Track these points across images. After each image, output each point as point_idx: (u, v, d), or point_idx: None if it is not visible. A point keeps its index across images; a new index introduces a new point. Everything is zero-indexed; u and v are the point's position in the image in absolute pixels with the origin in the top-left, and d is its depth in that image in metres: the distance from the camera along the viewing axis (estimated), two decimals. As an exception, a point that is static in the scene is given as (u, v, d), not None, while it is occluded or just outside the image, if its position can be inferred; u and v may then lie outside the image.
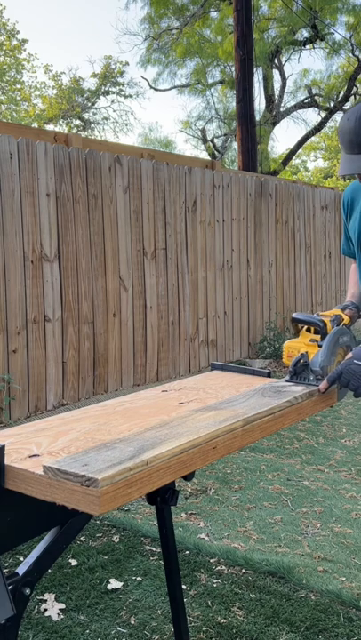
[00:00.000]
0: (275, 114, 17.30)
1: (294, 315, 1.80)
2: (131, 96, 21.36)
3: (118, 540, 2.78)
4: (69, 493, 1.03)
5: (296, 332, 1.80)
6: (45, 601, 2.28)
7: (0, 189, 4.25)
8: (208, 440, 1.26)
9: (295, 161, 26.30)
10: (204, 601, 2.32)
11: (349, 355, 1.63)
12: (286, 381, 1.70)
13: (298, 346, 1.75)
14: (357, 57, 16.22)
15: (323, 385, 1.63)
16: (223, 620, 2.20)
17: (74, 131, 20.49)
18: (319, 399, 1.65)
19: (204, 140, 21.09)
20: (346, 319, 1.90)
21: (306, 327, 1.78)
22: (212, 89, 18.67)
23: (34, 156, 4.48)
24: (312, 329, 1.77)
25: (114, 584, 2.41)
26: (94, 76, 20.97)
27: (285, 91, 17.62)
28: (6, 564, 2.47)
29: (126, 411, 1.48)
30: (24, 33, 33.23)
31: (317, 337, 1.76)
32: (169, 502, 1.56)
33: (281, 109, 17.69)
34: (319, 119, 18.14)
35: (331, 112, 17.60)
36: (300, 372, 1.71)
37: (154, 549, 2.67)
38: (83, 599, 2.31)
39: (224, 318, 6.51)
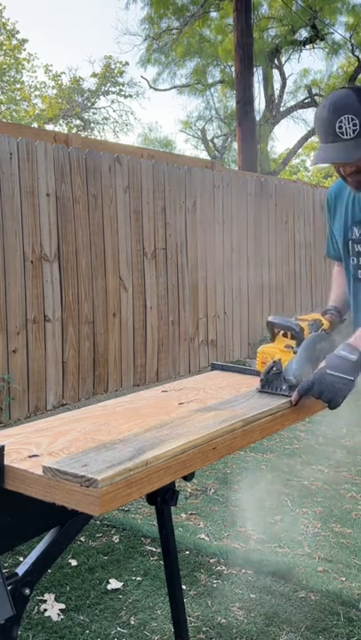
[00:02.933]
0: (275, 114, 17.30)
1: (270, 318, 1.69)
2: (131, 96, 21.36)
3: (118, 540, 2.78)
4: (69, 494, 1.03)
5: (272, 336, 1.69)
6: (45, 601, 2.28)
7: (0, 189, 4.25)
8: (208, 441, 1.26)
9: (295, 161, 26.30)
10: (204, 601, 2.32)
11: (323, 363, 1.53)
12: (258, 391, 1.59)
13: (272, 352, 1.63)
14: (357, 57, 16.22)
15: (294, 397, 1.51)
16: (223, 620, 2.20)
17: (74, 131, 20.48)
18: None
19: (204, 140, 21.08)
20: (325, 324, 1.79)
21: (283, 332, 1.66)
22: (212, 89, 18.67)
23: (34, 155, 4.48)
24: (289, 334, 1.64)
25: (114, 584, 2.41)
26: (94, 75, 20.97)
27: (285, 90, 17.62)
28: (6, 565, 2.47)
29: (126, 411, 1.48)
30: (24, 33, 33.26)
31: (293, 342, 1.64)
32: (169, 502, 1.56)
33: (281, 109, 17.69)
34: (319, 119, 18.10)
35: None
36: (272, 380, 1.59)
37: (154, 549, 2.67)
38: (82, 599, 2.31)
39: (224, 318, 6.51)
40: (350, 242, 1.89)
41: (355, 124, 1.59)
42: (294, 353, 1.60)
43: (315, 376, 1.49)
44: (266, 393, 1.57)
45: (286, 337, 1.64)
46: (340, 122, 1.60)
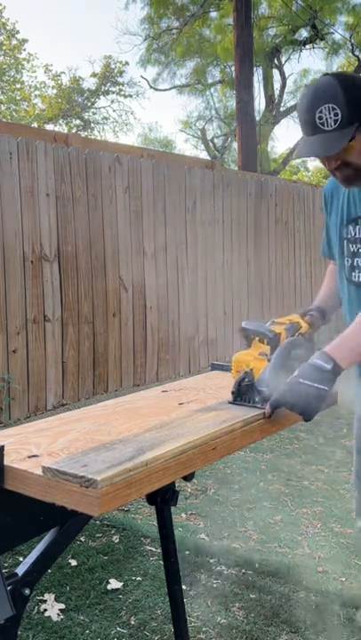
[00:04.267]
0: (275, 114, 17.30)
1: (243, 323, 1.57)
2: (130, 96, 21.35)
3: (118, 540, 2.78)
4: (69, 494, 1.03)
5: (248, 342, 1.56)
6: (45, 601, 2.28)
7: (0, 189, 4.25)
8: (208, 441, 1.26)
9: (295, 161, 26.30)
10: (204, 601, 2.32)
11: (296, 372, 1.41)
12: (230, 403, 1.48)
13: (247, 360, 1.51)
14: (357, 57, 16.22)
15: (267, 410, 1.41)
16: (223, 620, 2.20)
17: (74, 130, 20.47)
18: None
19: (204, 140, 21.08)
20: (304, 327, 1.67)
21: (258, 338, 1.54)
22: (212, 89, 18.67)
23: (34, 155, 4.48)
24: (265, 340, 1.52)
25: (114, 584, 2.41)
26: (94, 75, 20.96)
27: (285, 90, 17.62)
28: (6, 565, 2.47)
29: (126, 411, 1.48)
30: (24, 33, 33.26)
31: (268, 349, 1.51)
32: (169, 503, 1.56)
33: (281, 109, 17.69)
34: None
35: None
36: (244, 392, 1.47)
37: (154, 549, 2.67)
38: (82, 599, 2.31)
39: (224, 318, 6.51)
40: (345, 241, 1.78)
41: (336, 114, 1.47)
42: (269, 361, 1.48)
43: (287, 386, 1.38)
44: (238, 404, 1.47)
45: (263, 343, 1.53)
46: (321, 112, 1.48)
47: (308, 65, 31.86)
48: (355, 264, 1.74)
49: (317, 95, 1.50)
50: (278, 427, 1.50)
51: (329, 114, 1.47)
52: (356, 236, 1.72)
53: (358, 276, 1.74)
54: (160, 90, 18.64)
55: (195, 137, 22.16)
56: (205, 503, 3.21)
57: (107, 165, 5.08)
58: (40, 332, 4.55)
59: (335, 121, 1.47)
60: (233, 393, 1.48)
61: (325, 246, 1.94)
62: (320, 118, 1.48)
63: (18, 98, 20.94)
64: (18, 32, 20.57)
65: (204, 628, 2.15)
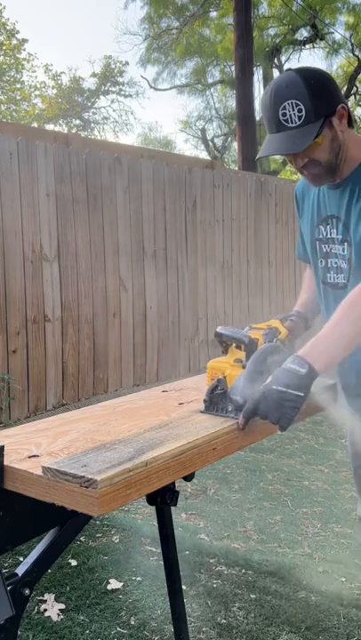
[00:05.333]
0: (275, 113, 17.27)
1: (218, 328, 1.48)
2: (130, 96, 21.36)
3: (118, 540, 2.78)
4: (68, 494, 1.03)
5: (224, 348, 1.48)
6: (45, 601, 2.28)
7: (0, 189, 4.25)
8: (208, 441, 1.26)
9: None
10: (204, 601, 2.32)
11: (269, 378, 1.33)
12: (201, 412, 1.41)
13: (222, 367, 1.44)
14: (357, 56, 16.22)
15: (240, 420, 1.32)
16: (223, 620, 2.20)
17: (74, 130, 20.48)
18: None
19: (204, 140, 21.09)
20: (283, 332, 1.59)
21: (235, 344, 1.46)
22: (212, 89, 18.67)
23: (34, 155, 4.48)
24: (242, 346, 1.45)
25: (114, 584, 2.41)
26: (94, 75, 20.98)
27: (285, 90, 17.58)
28: (6, 565, 2.47)
29: (126, 411, 1.48)
30: (24, 33, 33.26)
31: (243, 355, 1.44)
32: (169, 503, 1.56)
33: (281, 109, 17.65)
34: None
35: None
36: (216, 401, 1.39)
37: (154, 550, 2.67)
38: (82, 599, 2.31)
39: (224, 318, 6.50)
40: (317, 242, 1.69)
41: (300, 110, 1.41)
42: (244, 368, 1.41)
43: (260, 394, 1.29)
44: (210, 414, 1.39)
45: (240, 349, 1.45)
46: (284, 108, 1.42)
47: (308, 65, 31.79)
48: (328, 265, 1.68)
49: (280, 91, 1.44)
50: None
51: (293, 110, 1.42)
52: (328, 236, 1.65)
53: (333, 277, 1.66)
54: (160, 90, 18.65)
55: (195, 137, 22.16)
56: (205, 503, 3.21)
57: (107, 165, 5.08)
58: (40, 332, 4.55)
59: (300, 117, 1.42)
60: (205, 402, 1.41)
61: (300, 249, 1.85)
62: (284, 115, 1.43)
63: (18, 98, 20.94)
64: (18, 32, 20.58)
65: (204, 628, 2.15)
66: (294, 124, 1.42)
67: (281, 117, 1.43)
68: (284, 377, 1.30)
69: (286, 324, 1.65)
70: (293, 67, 1.54)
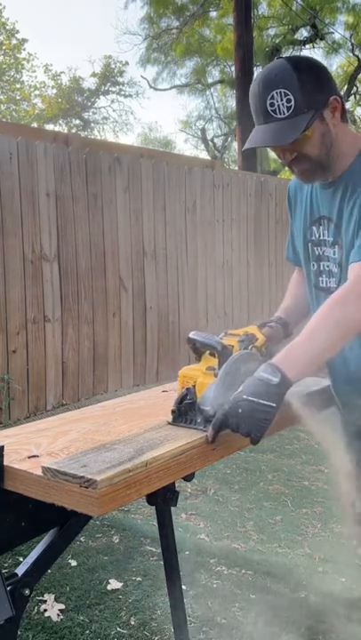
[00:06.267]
0: (275, 113, 17.27)
1: (191, 333, 1.39)
2: (130, 96, 21.37)
3: (118, 540, 2.78)
4: (68, 494, 1.03)
5: (197, 355, 1.40)
6: (45, 601, 2.28)
7: (0, 189, 4.24)
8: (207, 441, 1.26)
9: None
10: (204, 601, 2.32)
11: (240, 388, 1.25)
12: (169, 423, 1.32)
13: (194, 375, 1.35)
14: (357, 56, 16.22)
15: (209, 432, 1.23)
16: (223, 620, 2.20)
17: (73, 130, 20.48)
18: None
19: (204, 140, 21.09)
20: (260, 339, 1.50)
21: (209, 351, 1.38)
22: (212, 88, 18.67)
23: (33, 155, 4.48)
24: (215, 353, 1.37)
25: (114, 584, 2.41)
26: (94, 75, 20.98)
27: (285, 90, 17.58)
28: (5, 565, 2.47)
29: (126, 411, 1.48)
30: (24, 33, 33.26)
31: (216, 363, 1.36)
32: (169, 503, 1.56)
33: (281, 109, 17.66)
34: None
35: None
36: (185, 412, 1.30)
37: (154, 550, 2.67)
38: (82, 600, 2.31)
39: (224, 318, 6.50)
40: (310, 244, 1.60)
41: (289, 100, 1.32)
42: (216, 376, 1.33)
43: (229, 405, 1.22)
44: (178, 425, 1.31)
45: (213, 356, 1.37)
46: (272, 98, 1.33)
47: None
48: (321, 268, 1.58)
49: (269, 80, 1.35)
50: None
51: (281, 100, 1.33)
52: (321, 237, 1.56)
53: (325, 282, 1.57)
54: (160, 90, 18.65)
55: (195, 137, 22.16)
56: (205, 503, 3.20)
57: (107, 165, 5.08)
58: (40, 333, 4.55)
59: (288, 108, 1.33)
60: (173, 412, 1.32)
61: (290, 251, 1.77)
62: (272, 105, 1.34)
63: (18, 98, 20.95)
64: (18, 32, 20.59)
65: (204, 628, 2.15)
66: (282, 115, 1.34)
67: (269, 107, 1.34)
68: (254, 386, 1.22)
69: (264, 331, 1.56)
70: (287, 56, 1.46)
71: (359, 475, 1.64)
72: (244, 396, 1.21)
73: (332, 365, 1.57)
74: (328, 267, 1.55)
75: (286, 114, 1.33)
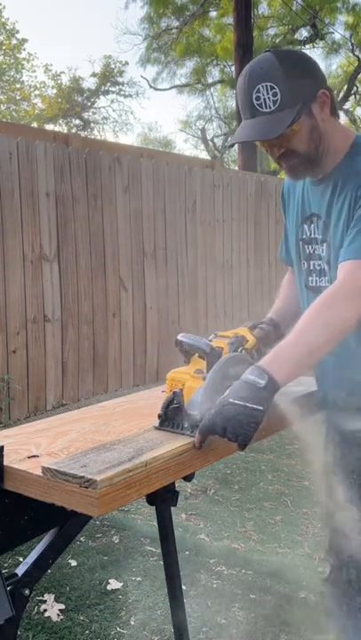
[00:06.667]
0: (275, 113, 17.27)
1: (179, 336, 1.35)
2: (130, 96, 21.36)
3: (118, 540, 2.78)
4: (68, 494, 1.03)
5: (186, 357, 1.37)
6: (45, 601, 2.28)
7: (0, 189, 4.24)
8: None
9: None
10: (204, 601, 2.32)
11: (227, 391, 1.21)
12: (155, 428, 1.28)
13: (182, 378, 1.31)
14: (357, 56, 16.22)
15: (196, 438, 1.20)
16: (223, 621, 2.20)
17: (73, 130, 20.47)
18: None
19: (204, 140, 21.08)
20: (251, 341, 1.46)
21: (198, 353, 1.34)
22: (212, 88, 18.67)
23: (33, 155, 4.47)
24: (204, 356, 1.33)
25: (113, 584, 2.41)
26: (94, 75, 20.98)
27: (285, 90, 17.58)
28: (5, 565, 2.47)
29: (126, 411, 1.48)
30: (24, 33, 33.26)
31: (204, 366, 1.32)
32: (169, 503, 1.56)
33: (281, 109, 17.65)
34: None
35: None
36: (172, 416, 1.26)
37: (154, 550, 2.67)
38: (82, 600, 2.31)
39: (224, 318, 6.50)
40: (301, 242, 1.57)
41: (275, 94, 1.29)
42: (205, 380, 1.29)
43: (216, 409, 1.18)
44: (165, 430, 1.28)
45: (203, 359, 1.34)
46: (258, 92, 1.30)
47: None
48: (311, 267, 1.54)
49: (255, 73, 1.32)
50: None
51: (267, 93, 1.30)
52: (312, 235, 1.52)
53: (316, 281, 1.53)
54: (160, 89, 18.64)
55: (195, 137, 22.16)
56: (205, 503, 3.20)
57: (107, 165, 5.08)
58: (40, 333, 4.55)
59: (274, 102, 1.30)
60: (159, 417, 1.28)
61: (283, 251, 1.73)
62: (258, 99, 1.31)
63: (18, 98, 20.95)
64: (18, 32, 20.59)
65: (204, 628, 2.15)
66: (268, 109, 1.31)
67: (255, 101, 1.31)
68: (241, 389, 1.19)
69: (255, 333, 1.52)
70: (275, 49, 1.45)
71: (332, 478, 1.62)
72: (230, 400, 1.17)
73: (322, 367, 1.53)
74: (319, 265, 1.52)
75: (272, 108, 1.31)
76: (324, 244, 1.48)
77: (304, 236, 1.55)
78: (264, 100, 1.31)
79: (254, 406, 1.17)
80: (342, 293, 1.29)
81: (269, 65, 1.31)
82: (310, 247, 1.54)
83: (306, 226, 1.54)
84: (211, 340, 1.40)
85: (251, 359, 1.37)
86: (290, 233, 1.62)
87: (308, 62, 1.38)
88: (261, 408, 1.17)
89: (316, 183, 1.48)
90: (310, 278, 1.55)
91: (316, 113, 1.36)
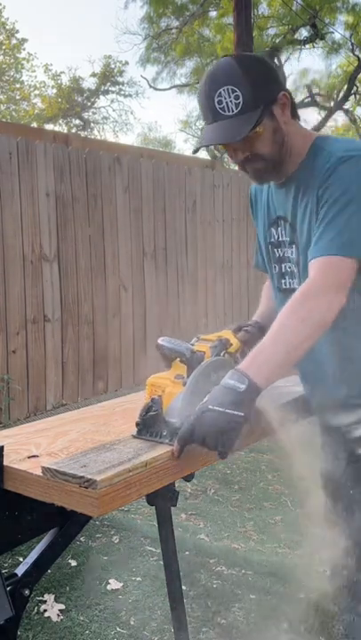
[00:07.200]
0: (275, 113, 17.27)
1: (159, 340, 1.33)
2: (130, 95, 21.35)
3: (118, 540, 2.78)
4: (68, 494, 1.03)
5: (167, 362, 1.32)
6: (45, 602, 2.28)
7: (0, 189, 4.24)
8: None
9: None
10: (204, 601, 2.32)
11: (206, 397, 1.17)
12: (133, 437, 1.22)
13: (162, 383, 1.26)
14: (357, 56, 16.21)
15: (175, 447, 1.14)
16: (223, 621, 2.20)
17: (73, 130, 20.47)
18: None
19: (204, 140, 21.05)
20: (235, 345, 1.42)
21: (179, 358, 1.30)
22: (212, 88, 18.62)
23: (33, 155, 4.47)
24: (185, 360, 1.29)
25: (113, 585, 2.41)
26: (94, 75, 20.96)
27: (285, 90, 17.58)
28: (5, 565, 2.47)
29: (126, 411, 1.48)
30: (24, 32, 33.26)
31: (185, 371, 1.28)
32: (169, 503, 1.56)
33: (281, 109, 17.64)
34: (319, 119, 18.14)
35: (331, 112, 17.61)
36: (150, 424, 1.20)
37: (154, 550, 2.67)
38: (82, 600, 2.31)
39: (224, 318, 6.50)
40: (270, 246, 1.56)
41: (237, 97, 1.29)
42: (185, 385, 1.24)
43: (195, 416, 1.13)
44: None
45: (184, 364, 1.30)
46: (220, 95, 1.30)
47: (308, 64, 31.85)
48: (283, 270, 1.53)
49: (216, 77, 1.32)
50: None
51: (229, 97, 1.29)
52: (280, 239, 1.52)
53: (289, 283, 1.52)
54: (160, 89, 18.62)
55: (195, 137, 22.15)
56: (205, 503, 3.20)
57: (106, 165, 5.08)
58: (40, 333, 4.55)
59: (237, 105, 1.29)
60: (137, 425, 1.22)
61: (258, 257, 1.70)
62: (220, 102, 1.30)
63: (17, 97, 20.94)
64: (17, 32, 20.58)
65: (204, 629, 2.15)
66: (231, 113, 1.30)
67: (217, 105, 1.31)
68: (220, 395, 1.15)
69: (239, 335, 1.47)
70: (230, 54, 1.41)
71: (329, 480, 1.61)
72: (210, 406, 1.13)
73: (303, 368, 1.51)
74: (290, 268, 1.51)
75: (235, 111, 1.30)
76: (293, 246, 1.48)
77: (273, 240, 1.55)
78: (226, 103, 1.30)
79: (234, 412, 1.12)
80: (314, 290, 1.28)
81: (230, 69, 1.32)
82: (280, 250, 1.53)
83: (273, 229, 1.53)
84: (193, 344, 1.36)
85: (235, 363, 1.31)
86: (260, 237, 1.62)
87: (266, 65, 1.40)
88: (242, 414, 1.13)
89: (280, 186, 1.48)
90: (283, 281, 1.54)
91: (277, 115, 1.36)
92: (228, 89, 1.30)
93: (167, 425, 1.19)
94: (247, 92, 1.30)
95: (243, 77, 1.30)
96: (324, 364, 1.45)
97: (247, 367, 1.19)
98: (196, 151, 1.43)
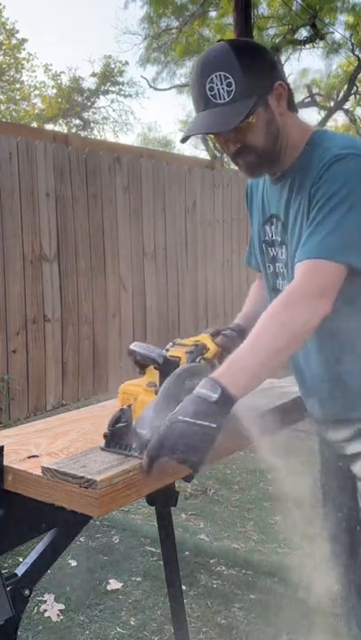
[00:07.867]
0: (275, 113, 17.27)
1: (132, 345, 1.26)
2: (130, 95, 21.35)
3: (118, 540, 2.78)
4: (68, 495, 1.03)
5: (140, 367, 1.26)
6: (45, 601, 2.28)
7: (0, 189, 4.24)
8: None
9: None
10: (204, 601, 2.32)
11: (177, 408, 1.09)
12: (101, 449, 1.14)
13: (135, 391, 1.20)
14: (357, 56, 16.21)
15: (143, 460, 1.07)
16: (223, 621, 2.20)
17: (73, 130, 20.47)
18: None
19: (204, 140, 21.06)
20: (212, 350, 1.34)
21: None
22: (212, 88, 18.62)
23: (33, 155, 4.47)
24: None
25: (113, 585, 2.41)
26: (94, 75, 20.97)
27: (285, 90, 17.58)
28: (5, 565, 2.47)
29: (126, 411, 1.47)
30: (24, 32, 33.26)
31: (157, 379, 1.22)
32: (169, 503, 1.56)
33: (281, 109, 17.65)
34: (319, 118, 18.14)
35: (331, 112, 17.61)
36: (119, 435, 1.12)
37: (154, 550, 2.67)
38: (82, 600, 2.31)
39: (224, 318, 6.50)
40: (264, 244, 1.48)
41: (229, 84, 1.21)
42: (157, 393, 1.17)
43: (165, 427, 1.06)
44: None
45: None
46: (211, 82, 1.22)
47: (308, 64, 31.85)
48: (277, 270, 1.45)
49: (208, 63, 1.24)
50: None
51: (221, 84, 1.21)
52: (273, 237, 1.44)
53: (282, 284, 1.44)
54: (160, 89, 18.62)
55: (195, 137, 22.14)
56: (205, 503, 3.20)
57: (106, 165, 5.08)
58: (40, 333, 4.55)
59: (229, 92, 1.21)
60: (105, 436, 1.14)
61: (250, 254, 1.62)
62: (211, 89, 1.22)
63: (17, 97, 20.94)
64: (17, 32, 20.58)
65: (204, 629, 2.15)
66: (223, 100, 1.22)
67: (208, 92, 1.23)
68: (192, 405, 1.07)
69: (218, 340, 1.39)
70: (225, 38, 1.32)
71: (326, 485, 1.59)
72: (179, 417, 1.06)
73: (296, 379, 1.47)
74: (282, 268, 1.44)
75: (227, 99, 1.22)
76: (283, 247, 1.41)
77: (266, 238, 1.47)
78: (218, 90, 1.22)
79: (205, 423, 1.06)
80: (298, 294, 1.20)
81: (224, 54, 1.23)
82: (273, 249, 1.46)
83: (267, 227, 1.46)
84: (167, 349, 1.29)
85: (211, 369, 1.22)
86: (255, 235, 1.54)
87: (264, 53, 1.31)
88: (214, 425, 1.06)
89: (275, 181, 1.40)
90: (277, 281, 1.47)
91: (272, 106, 1.28)
92: (220, 75, 1.21)
93: (137, 436, 1.11)
94: (240, 80, 1.21)
95: (237, 64, 1.22)
96: (316, 377, 1.40)
97: (221, 375, 1.11)
98: (184, 140, 1.34)
